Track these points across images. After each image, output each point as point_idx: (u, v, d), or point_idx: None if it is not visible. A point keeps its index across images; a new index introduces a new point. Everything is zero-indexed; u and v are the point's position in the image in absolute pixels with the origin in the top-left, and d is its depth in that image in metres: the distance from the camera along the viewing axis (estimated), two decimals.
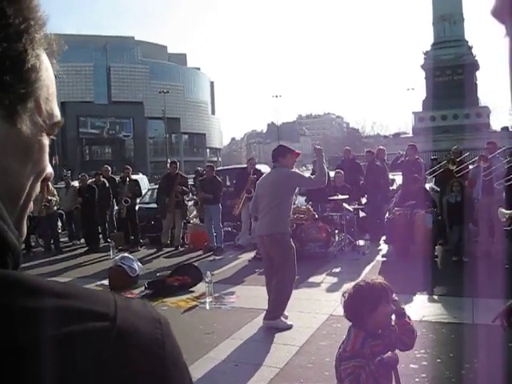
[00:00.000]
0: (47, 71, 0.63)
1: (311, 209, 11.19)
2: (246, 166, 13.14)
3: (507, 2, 0.45)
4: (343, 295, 3.10)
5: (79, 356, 0.47)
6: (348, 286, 3.13)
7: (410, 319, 3.03)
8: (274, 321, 6.15)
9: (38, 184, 0.66)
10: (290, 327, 6.11)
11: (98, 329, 0.49)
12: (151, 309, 0.56)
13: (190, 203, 14.66)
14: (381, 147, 14.19)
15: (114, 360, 0.48)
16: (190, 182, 18.15)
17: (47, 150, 0.65)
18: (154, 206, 13.81)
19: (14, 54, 0.56)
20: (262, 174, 9.92)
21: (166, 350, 0.53)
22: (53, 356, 0.46)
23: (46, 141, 0.64)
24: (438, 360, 5.16)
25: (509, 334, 4.47)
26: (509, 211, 6.86)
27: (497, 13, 0.48)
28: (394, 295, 3.02)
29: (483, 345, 5.42)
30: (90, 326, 0.48)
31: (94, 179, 14.16)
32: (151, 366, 0.51)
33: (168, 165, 13.55)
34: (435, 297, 7.36)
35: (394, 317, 3.00)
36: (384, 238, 11.75)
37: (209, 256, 11.73)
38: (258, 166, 14.67)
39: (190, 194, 16.05)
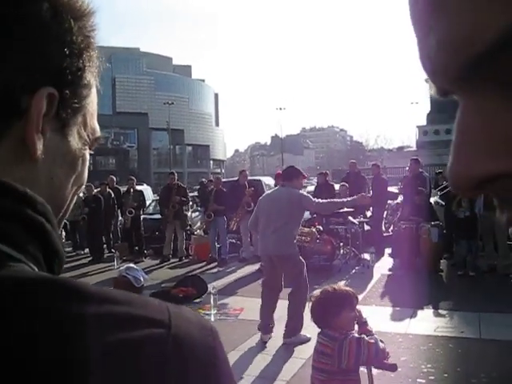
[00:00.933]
0: (94, 88, 0.66)
1: (315, 231, 11.20)
2: (237, 178, 13.23)
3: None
4: (310, 299, 3.28)
5: (137, 362, 0.47)
6: None
7: (371, 329, 3.23)
8: (295, 336, 6.14)
9: (76, 196, 0.68)
10: (309, 339, 6.03)
11: (155, 335, 0.49)
12: (200, 316, 0.57)
13: (195, 214, 14.67)
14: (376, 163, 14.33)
15: (170, 367, 0.48)
16: (195, 193, 18.22)
17: (87, 164, 0.67)
18: (158, 216, 13.82)
19: (75, 70, 0.59)
20: (259, 186, 9.99)
21: (218, 357, 0.53)
22: (111, 363, 0.46)
23: (87, 155, 0.66)
24: (445, 375, 5.14)
25: None
26: None
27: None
28: (357, 306, 3.25)
29: (490, 360, 5.39)
30: (147, 332, 0.48)
31: (99, 189, 14.18)
32: (205, 373, 0.51)
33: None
34: (441, 311, 7.33)
35: (356, 326, 3.20)
36: (389, 251, 11.72)
37: (213, 267, 11.73)
38: (262, 178, 14.71)
39: (195, 206, 16.07)
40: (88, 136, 0.65)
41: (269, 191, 7.08)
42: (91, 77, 0.63)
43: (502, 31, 0.31)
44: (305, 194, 6.71)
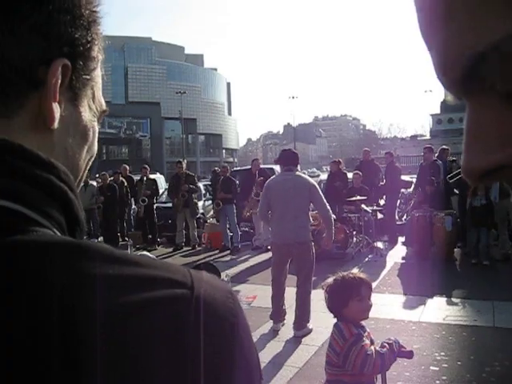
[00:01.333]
0: (100, 62, 0.68)
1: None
2: (250, 167, 13.19)
3: None
4: (323, 287, 3.19)
5: (161, 320, 0.48)
6: None
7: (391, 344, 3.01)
8: (305, 328, 6.16)
9: (87, 168, 0.71)
10: (311, 330, 6.13)
11: (179, 295, 0.50)
12: (220, 280, 0.58)
13: (208, 203, 14.69)
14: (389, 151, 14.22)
15: (193, 325, 0.50)
16: (207, 182, 18.24)
17: (97, 136, 0.70)
18: (171, 205, 13.89)
19: (85, 42, 0.61)
20: (269, 175, 9.87)
21: (239, 318, 0.55)
22: (134, 320, 0.47)
23: (97, 127, 0.69)
24: (459, 362, 5.13)
25: None
26: None
27: None
28: (370, 293, 3.09)
29: (504, 348, 5.37)
30: (171, 292, 0.50)
31: (112, 178, 14.26)
32: (227, 332, 0.53)
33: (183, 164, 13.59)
34: (455, 299, 7.30)
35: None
36: (402, 239, 11.69)
37: (225, 255, 11.77)
38: (275, 167, 14.65)
39: (208, 194, 16.09)
40: (96, 108, 0.68)
41: (277, 177, 6.75)
42: (98, 51, 0.65)
43: (482, 49, 0.37)
44: (319, 189, 6.48)
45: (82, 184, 0.71)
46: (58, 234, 0.55)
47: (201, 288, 0.53)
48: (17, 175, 0.53)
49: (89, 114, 0.66)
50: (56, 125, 0.59)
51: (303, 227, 6.16)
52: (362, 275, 3.16)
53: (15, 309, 0.45)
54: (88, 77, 0.63)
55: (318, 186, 6.46)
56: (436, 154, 11.98)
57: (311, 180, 6.43)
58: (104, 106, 0.70)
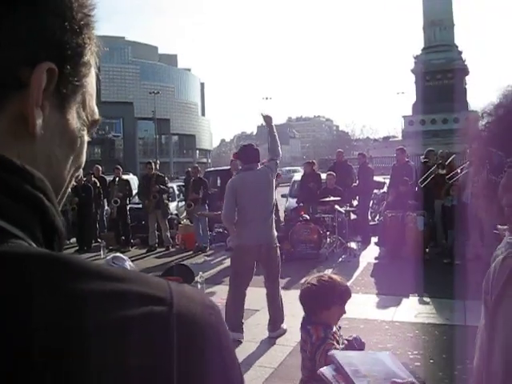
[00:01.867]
0: (93, 69, 0.66)
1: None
2: (229, 167, 13.07)
3: None
4: (303, 283, 3.18)
5: (138, 340, 0.47)
6: None
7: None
8: (280, 329, 6.13)
9: (73, 179, 0.67)
10: (285, 331, 6.11)
11: (157, 313, 0.48)
12: (203, 295, 0.56)
13: (181, 204, 14.62)
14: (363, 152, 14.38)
15: (172, 344, 0.48)
16: (180, 182, 18.15)
17: (86, 146, 0.67)
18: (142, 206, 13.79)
19: (75, 46, 0.59)
20: None
21: (220, 335, 0.53)
22: (111, 340, 0.45)
23: (86, 137, 0.66)
24: (431, 361, 5.20)
25: None
26: (503, 226, 6.92)
27: None
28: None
29: (475, 346, 5.45)
30: (149, 309, 0.48)
31: (85, 179, 14.09)
32: (208, 350, 0.51)
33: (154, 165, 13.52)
34: (427, 299, 7.39)
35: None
36: (375, 240, 11.79)
37: (199, 256, 11.73)
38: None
39: (181, 195, 16.03)
40: (87, 117, 0.65)
41: (242, 176, 6.16)
42: (91, 56, 0.63)
43: None
44: (267, 167, 6.14)
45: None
46: (34, 245, 0.52)
47: (180, 304, 0.51)
48: None
49: (77, 122, 0.62)
50: (38, 131, 0.56)
51: (271, 227, 6.09)
52: (346, 283, 3.20)
53: None
54: (78, 83, 0.61)
55: (268, 166, 6.19)
56: (422, 156, 12.10)
57: (266, 167, 6.13)
58: (96, 115, 0.68)
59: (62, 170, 0.62)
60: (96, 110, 0.68)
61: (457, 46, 36.60)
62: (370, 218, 13.73)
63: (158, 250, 12.82)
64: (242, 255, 6.09)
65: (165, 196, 13.25)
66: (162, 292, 0.51)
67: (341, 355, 2.51)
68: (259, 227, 5.92)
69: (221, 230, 13.40)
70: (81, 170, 0.68)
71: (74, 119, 0.62)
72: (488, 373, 1.11)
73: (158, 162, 15.82)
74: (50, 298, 0.45)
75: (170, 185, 14.86)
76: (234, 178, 6.29)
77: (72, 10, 0.58)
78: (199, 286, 7.51)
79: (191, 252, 12.25)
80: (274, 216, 6.23)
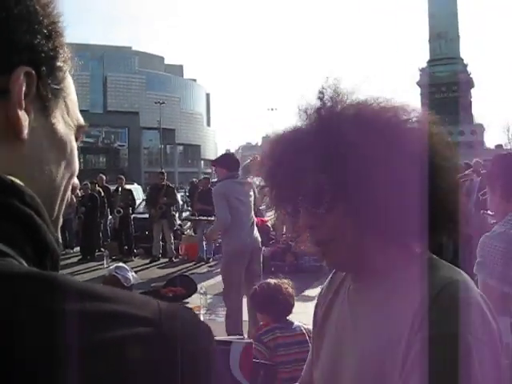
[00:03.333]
0: (69, 77, 0.66)
1: None
2: None
3: None
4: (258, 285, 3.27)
5: (122, 362, 0.46)
6: None
7: None
8: None
9: (70, 188, 0.67)
10: None
11: (142, 334, 0.47)
12: (194, 315, 0.55)
13: (185, 214, 14.67)
14: None
15: (158, 367, 0.47)
16: (183, 192, 18.18)
17: (76, 153, 0.67)
18: (148, 216, 13.78)
19: (47, 50, 0.59)
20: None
21: (209, 357, 0.52)
22: (94, 362, 0.45)
23: (74, 143, 0.66)
24: None
25: None
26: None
27: None
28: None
29: None
30: (133, 331, 0.47)
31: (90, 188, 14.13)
32: (198, 374, 0.50)
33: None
34: None
35: None
36: None
37: (202, 267, 11.72)
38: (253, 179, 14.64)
39: (185, 205, 16.05)
40: (72, 122, 0.65)
41: (230, 183, 6.18)
42: (65, 63, 0.64)
43: None
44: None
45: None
46: (24, 263, 0.51)
47: (169, 325, 0.49)
48: None
49: (63, 126, 0.63)
50: (26, 135, 0.56)
51: (257, 232, 6.25)
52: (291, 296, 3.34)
53: None
54: (57, 87, 0.62)
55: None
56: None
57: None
58: (81, 121, 0.68)
59: (55, 176, 0.62)
60: (80, 116, 0.68)
61: (462, 59, 36.66)
62: None
63: (162, 260, 12.79)
64: (237, 259, 6.03)
65: (172, 208, 13.26)
66: (150, 312, 0.49)
67: None
68: (249, 232, 6.08)
69: None
70: (76, 178, 0.69)
71: (59, 123, 0.62)
72: None
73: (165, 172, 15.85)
74: (33, 318, 0.45)
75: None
76: (220, 184, 6.35)
77: (38, 15, 0.59)
78: (201, 296, 7.50)
79: (194, 262, 12.22)
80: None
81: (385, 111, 1.06)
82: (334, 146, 1.01)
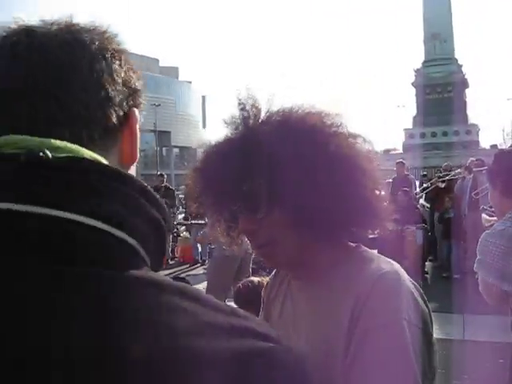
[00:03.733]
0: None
1: None
2: None
3: None
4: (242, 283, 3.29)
5: (245, 372, 0.51)
6: None
7: None
8: None
9: None
10: None
11: (267, 348, 0.54)
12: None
13: (181, 216, 14.64)
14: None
15: (276, 379, 0.53)
16: (181, 195, 18.13)
17: None
18: None
19: (139, 91, 0.78)
20: None
21: (306, 375, 0.58)
22: (230, 370, 0.50)
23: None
24: None
25: (499, 351, 4.47)
26: (492, 218, 6.91)
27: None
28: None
29: (473, 361, 5.41)
30: (261, 345, 0.53)
31: None
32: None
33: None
34: None
35: None
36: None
37: (197, 269, 11.70)
38: None
39: (181, 207, 16.02)
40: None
41: None
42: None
43: None
44: None
45: None
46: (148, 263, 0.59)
47: (284, 343, 0.56)
48: (128, 206, 0.57)
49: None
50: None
51: None
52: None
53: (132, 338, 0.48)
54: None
55: None
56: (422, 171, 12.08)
57: None
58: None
59: None
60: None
61: (457, 60, 36.81)
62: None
63: None
64: (230, 262, 6.05)
65: (171, 210, 13.22)
66: (268, 329, 0.57)
67: None
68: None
69: None
70: None
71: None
72: None
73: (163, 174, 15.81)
74: (199, 328, 0.52)
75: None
76: None
77: (122, 65, 0.80)
78: None
79: (190, 264, 12.19)
80: None
81: (309, 116, 1.12)
82: (263, 153, 1.05)
